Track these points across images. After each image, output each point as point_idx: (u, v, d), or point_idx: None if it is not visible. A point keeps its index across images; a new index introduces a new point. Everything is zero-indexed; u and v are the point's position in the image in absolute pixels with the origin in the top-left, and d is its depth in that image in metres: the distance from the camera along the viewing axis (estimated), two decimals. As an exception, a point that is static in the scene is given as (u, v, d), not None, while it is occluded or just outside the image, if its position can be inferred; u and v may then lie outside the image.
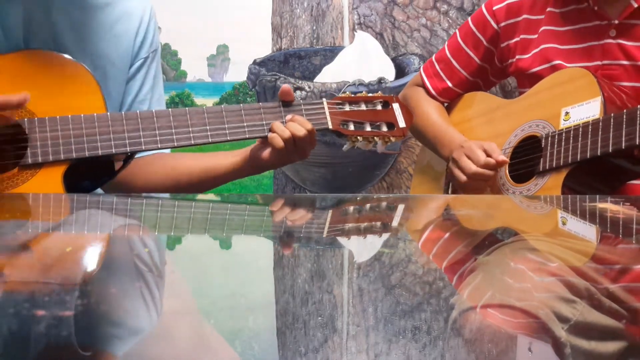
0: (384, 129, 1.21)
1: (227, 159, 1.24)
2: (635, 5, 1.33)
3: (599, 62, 1.34)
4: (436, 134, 1.54)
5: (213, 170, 1.25)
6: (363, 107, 1.21)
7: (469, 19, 1.57)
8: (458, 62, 1.57)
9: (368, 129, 1.20)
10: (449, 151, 1.49)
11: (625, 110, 1.20)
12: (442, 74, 1.59)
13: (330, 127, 1.19)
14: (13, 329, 0.41)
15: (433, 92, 1.59)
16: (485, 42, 1.53)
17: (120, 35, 1.27)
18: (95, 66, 1.21)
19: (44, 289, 0.51)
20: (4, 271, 0.57)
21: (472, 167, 1.38)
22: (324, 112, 1.19)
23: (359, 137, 1.19)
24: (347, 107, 1.20)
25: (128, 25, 1.28)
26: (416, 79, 1.65)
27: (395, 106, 1.23)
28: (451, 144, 1.48)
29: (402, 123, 1.22)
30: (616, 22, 1.35)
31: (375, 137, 1.20)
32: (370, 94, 1.23)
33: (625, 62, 1.33)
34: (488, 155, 1.38)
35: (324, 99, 1.20)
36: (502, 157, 1.37)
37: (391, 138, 1.21)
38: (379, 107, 1.22)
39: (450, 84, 1.58)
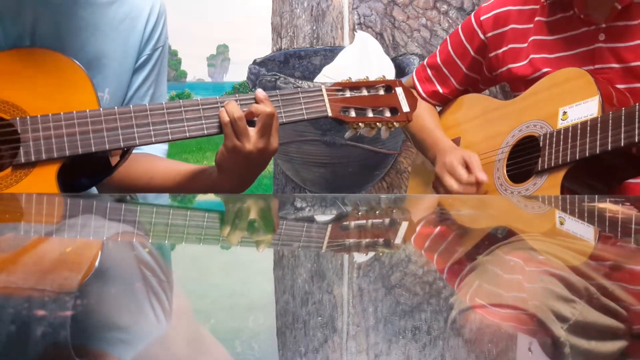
0: (387, 114, 1.17)
1: (204, 175, 1.20)
2: (619, 7, 1.34)
3: (591, 67, 1.35)
4: (423, 137, 1.56)
5: (188, 183, 1.22)
6: (364, 92, 1.18)
7: (460, 26, 1.58)
8: (448, 69, 1.59)
9: (370, 114, 1.16)
10: (432, 155, 1.52)
11: (623, 109, 1.21)
12: (433, 79, 1.61)
13: (330, 114, 1.15)
14: (9, 332, 0.41)
15: (423, 94, 1.62)
16: (472, 53, 1.54)
17: (127, 32, 1.26)
18: (102, 65, 1.21)
19: (40, 292, 0.51)
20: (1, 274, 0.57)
21: (454, 186, 1.42)
22: (323, 100, 1.15)
23: (360, 124, 1.16)
24: (347, 93, 1.17)
25: (136, 22, 1.27)
26: (408, 81, 1.67)
27: (399, 90, 1.19)
28: (435, 147, 1.51)
29: (406, 107, 1.18)
30: (603, 25, 1.35)
31: (378, 123, 1.16)
32: (372, 79, 1.19)
33: (616, 65, 1.34)
34: (470, 171, 1.40)
35: (322, 86, 1.17)
36: (482, 176, 1.39)
37: (395, 123, 1.17)
38: (382, 92, 1.18)
39: (440, 90, 1.60)
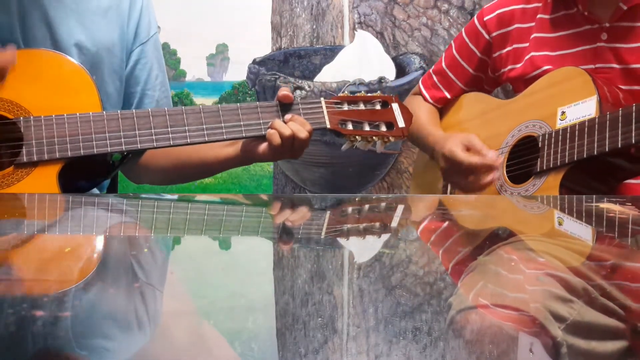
0: (383, 128, 1.21)
1: (221, 150, 1.25)
2: (625, 8, 1.33)
3: (591, 66, 1.34)
4: (421, 135, 1.56)
5: (208, 160, 1.26)
6: (362, 106, 1.21)
7: (463, 30, 1.59)
8: (454, 73, 1.59)
9: (367, 128, 1.20)
10: (431, 152, 1.52)
11: (620, 109, 1.20)
12: (439, 85, 1.61)
13: (328, 126, 1.18)
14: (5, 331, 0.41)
15: (431, 101, 1.62)
16: (478, 53, 1.54)
17: (114, 20, 1.28)
18: (92, 55, 1.23)
19: (36, 292, 0.51)
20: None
21: (462, 181, 1.40)
22: (322, 112, 1.19)
23: (357, 137, 1.19)
24: (345, 107, 1.20)
25: (121, 10, 1.29)
26: (416, 89, 1.68)
27: (395, 106, 1.22)
28: (432, 142, 1.51)
29: (401, 123, 1.21)
30: (607, 25, 1.35)
31: (374, 137, 1.20)
32: (369, 94, 1.23)
33: (616, 66, 1.34)
34: (475, 153, 1.38)
35: (321, 98, 1.20)
36: (491, 154, 1.36)
37: (390, 138, 1.21)
38: (378, 107, 1.22)
39: (447, 95, 1.60)
